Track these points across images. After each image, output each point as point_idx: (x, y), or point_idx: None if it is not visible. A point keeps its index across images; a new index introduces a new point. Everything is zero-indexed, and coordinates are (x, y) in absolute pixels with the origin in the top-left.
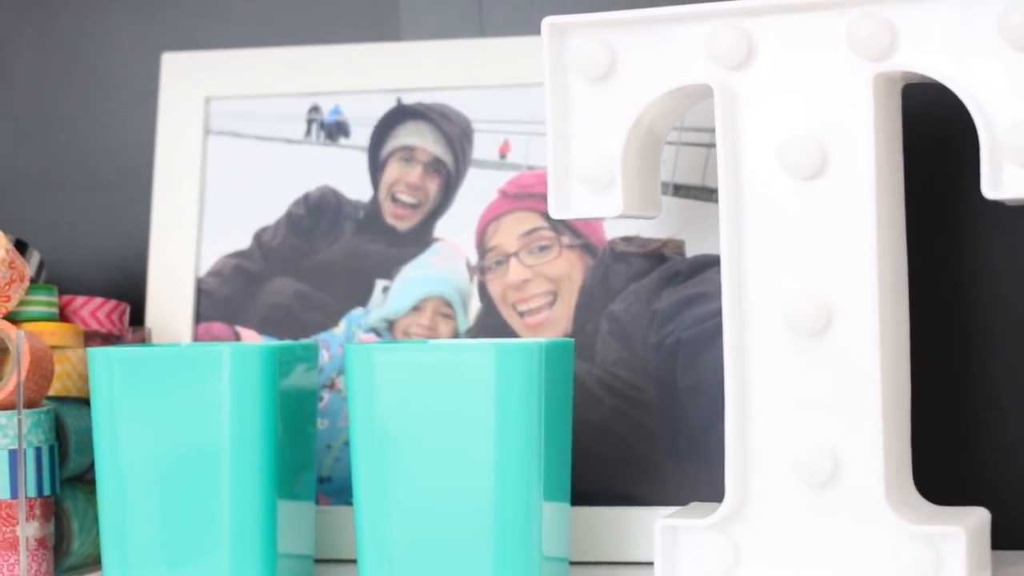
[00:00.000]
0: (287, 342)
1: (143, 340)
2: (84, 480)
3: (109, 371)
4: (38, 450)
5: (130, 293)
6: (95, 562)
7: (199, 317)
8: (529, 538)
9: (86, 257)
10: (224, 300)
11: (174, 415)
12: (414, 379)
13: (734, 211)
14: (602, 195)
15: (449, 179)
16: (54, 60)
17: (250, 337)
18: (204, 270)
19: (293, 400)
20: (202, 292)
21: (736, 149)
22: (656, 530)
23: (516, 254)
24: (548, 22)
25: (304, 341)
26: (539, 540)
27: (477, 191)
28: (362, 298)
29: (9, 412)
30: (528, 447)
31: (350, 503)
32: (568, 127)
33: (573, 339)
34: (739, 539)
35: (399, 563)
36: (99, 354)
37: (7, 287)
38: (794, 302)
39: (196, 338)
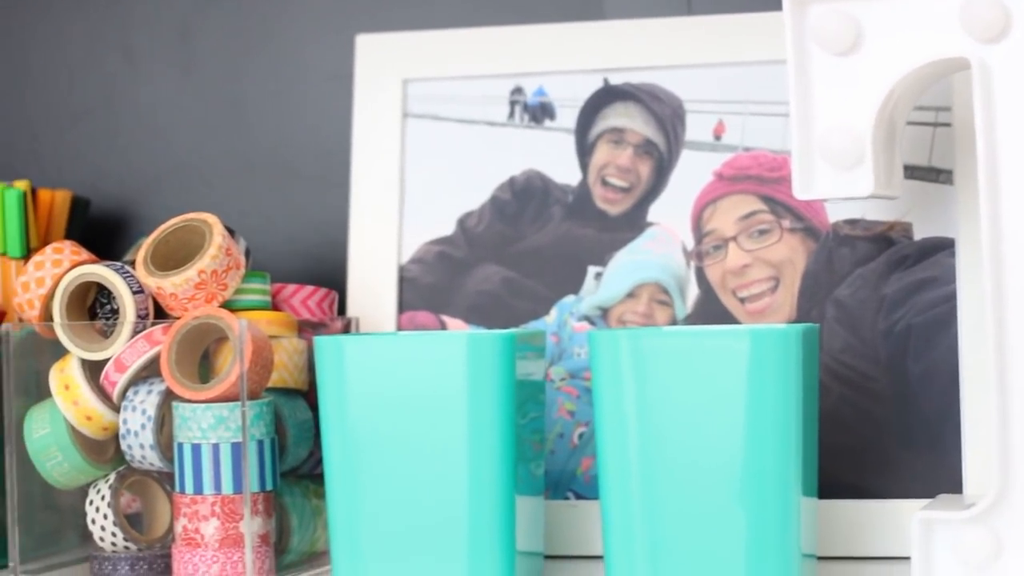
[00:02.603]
0: (519, 329)
1: (347, 329)
2: (299, 474)
3: (338, 360)
4: (260, 443)
5: (327, 281)
6: (313, 558)
7: (402, 306)
8: (787, 536)
9: (280, 245)
10: (428, 288)
11: (407, 405)
12: (664, 365)
13: (993, 192)
14: (849, 174)
15: (662, 161)
16: (244, 43)
17: (457, 326)
18: (406, 257)
19: (525, 390)
20: (404, 280)
21: (993, 127)
22: (913, 523)
23: (735, 238)
24: None
25: (532, 328)
26: (797, 537)
27: (691, 174)
28: (574, 285)
29: (231, 404)
30: (785, 439)
31: (566, 497)
32: (811, 104)
33: (818, 325)
34: (1001, 531)
35: (645, 561)
36: (328, 343)
37: (224, 275)
38: None
39: (400, 327)
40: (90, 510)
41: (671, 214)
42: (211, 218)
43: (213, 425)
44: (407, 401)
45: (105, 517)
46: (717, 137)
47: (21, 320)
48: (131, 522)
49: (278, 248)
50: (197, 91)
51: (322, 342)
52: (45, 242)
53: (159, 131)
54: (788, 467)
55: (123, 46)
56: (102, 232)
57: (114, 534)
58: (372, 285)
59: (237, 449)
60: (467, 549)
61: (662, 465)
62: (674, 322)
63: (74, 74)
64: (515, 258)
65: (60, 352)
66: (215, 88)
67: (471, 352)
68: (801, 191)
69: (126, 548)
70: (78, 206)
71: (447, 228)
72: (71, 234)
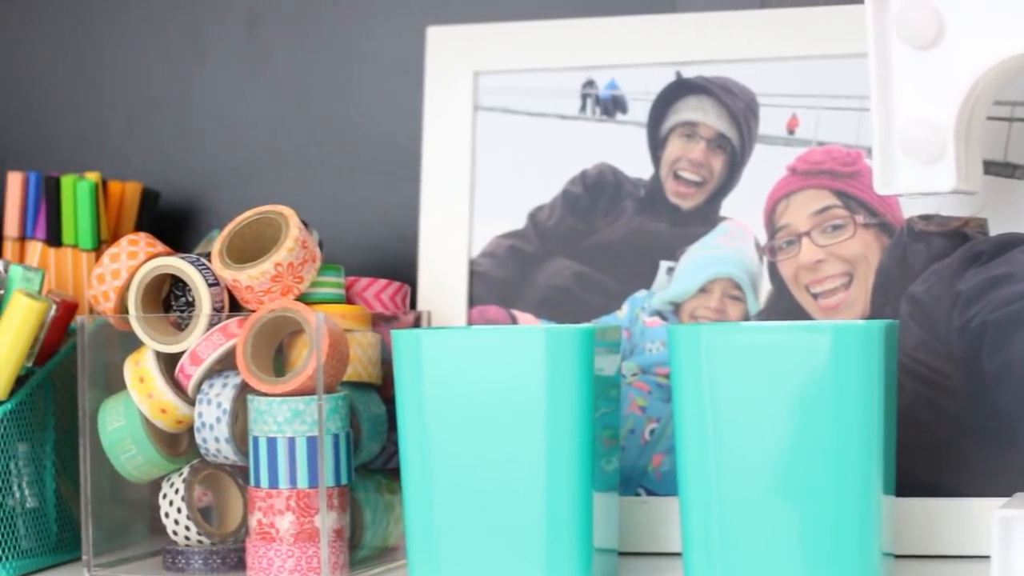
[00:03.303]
0: (597, 324)
1: (417, 323)
2: (371, 468)
3: (415, 354)
4: (335, 437)
5: (396, 275)
6: (385, 553)
7: (472, 300)
8: (869, 534)
9: (349, 238)
10: (498, 282)
11: (484, 399)
12: (745, 361)
13: None
14: (930, 168)
15: (734, 155)
16: (313, 35)
17: (527, 320)
18: (477, 251)
19: (599, 385)
20: (475, 274)
21: None
22: (993, 521)
23: (808, 233)
24: None
25: (609, 324)
26: (879, 536)
27: (764, 168)
28: (646, 280)
29: (307, 398)
30: (867, 436)
31: (637, 493)
32: (892, 98)
33: (897, 321)
34: None
35: (724, 557)
36: (405, 336)
37: (300, 267)
38: None
39: (470, 322)
40: (163, 503)
41: (744, 209)
42: (287, 210)
43: (289, 419)
44: (484, 395)
45: (179, 511)
46: (790, 131)
47: (94, 312)
48: (202, 516)
49: (347, 241)
50: (266, 83)
51: (400, 336)
52: (115, 234)
53: (228, 123)
54: (871, 464)
55: (192, 38)
56: (170, 224)
57: (188, 528)
58: (442, 279)
59: (313, 443)
60: (544, 545)
61: (741, 461)
62: (746, 318)
63: (143, 66)
64: (586, 252)
65: (131, 344)
66: (284, 80)
67: (550, 347)
68: (882, 186)
69: (199, 542)
70: (148, 198)
71: (518, 222)
72: (141, 226)
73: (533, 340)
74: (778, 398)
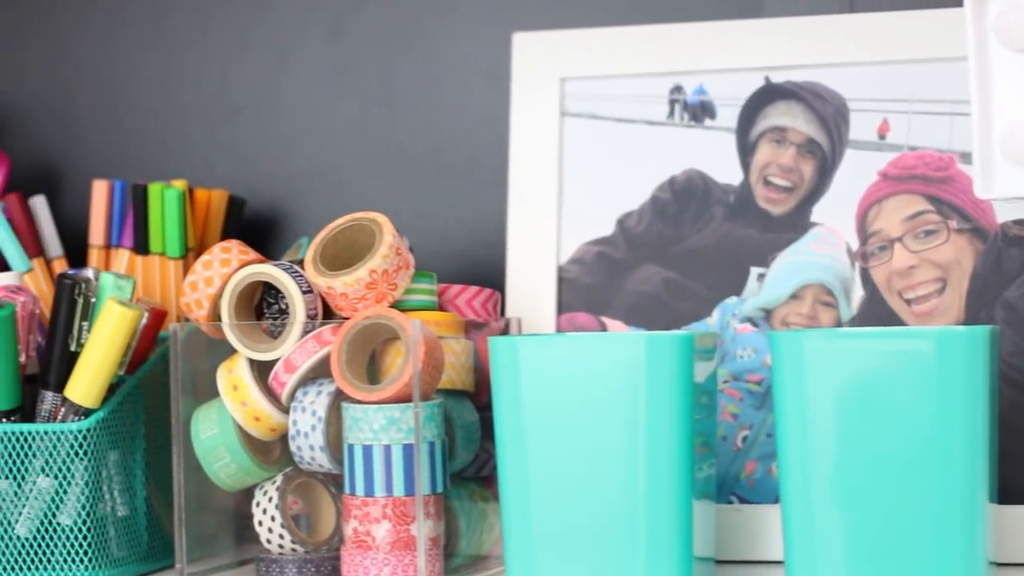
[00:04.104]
0: (694, 331)
1: (506, 330)
2: (464, 476)
3: (513, 361)
4: (431, 445)
5: (482, 282)
6: (479, 562)
7: (561, 307)
8: (974, 542)
9: (435, 245)
10: (587, 289)
11: (583, 406)
12: (849, 367)
13: None
14: None
15: (825, 161)
16: (397, 41)
17: (616, 328)
18: (565, 258)
19: (697, 392)
20: (563, 281)
21: None
22: None
23: (900, 239)
24: None
25: (705, 330)
26: (984, 543)
27: (855, 173)
28: (736, 286)
29: (403, 405)
30: (972, 443)
31: (729, 501)
32: (991, 102)
33: (997, 327)
34: None
35: (828, 566)
36: (503, 343)
37: (395, 274)
38: None
39: (559, 329)
40: (256, 512)
41: (835, 214)
42: (380, 217)
43: (385, 426)
44: (582, 403)
45: (272, 519)
46: (881, 136)
47: (182, 320)
48: (294, 524)
49: (432, 248)
50: (349, 90)
51: (497, 343)
52: (201, 242)
53: (312, 130)
54: (975, 471)
55: (276, 46)
56: (255, 232)
57: (281, 536)
58: (531, 286)
59: (409, 451)
60: (644, 554)
61: (844, 469)
62: (839, 324)
63: (226, 73)
64: (676, 259)
65: (220, 352)
66: (368, 87)
67: (650, 353)
68: (982, 190)
69: (293, 550)
70: (234, 206)
71: (606, 228)
72: (227, 234)
73: (633, 347)
74: (881, 404)
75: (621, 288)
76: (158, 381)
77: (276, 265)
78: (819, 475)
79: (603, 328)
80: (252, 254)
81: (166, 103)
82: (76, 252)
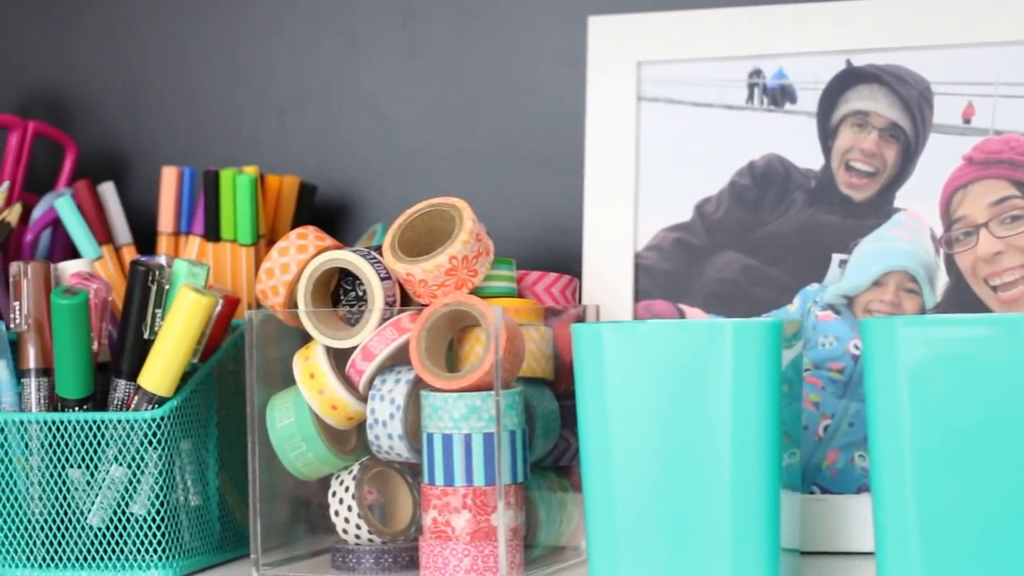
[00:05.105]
0: (782, 318)
1: (584, 317)
2: (543, 466)
3: (597, 348)
4: (512, 434)
5: (558, 268)
6: (557, 553)
7: (638, 294)
8: None
9: (510, 231)
10: (665, 276)
11: (668, 394)
12: (944, 354)
13: None
14: None
15: (908, 145)
16: (470, 26)
17: (695, 315)
18: (642, 244)
19: (786, 381)
20: (640, 268)
21: None
22: None
23: (986, 225)
24: None
25: (792, 317)
26: None
27: (939, 158)
28: (817, 273)
29: (484, 393)
30: None
31: (811, 491)
32: None
33: None
34: None
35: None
36: (586, 331)
37: (475, 260)
38: None
39: (636, 316)
40: (333, 501)
41: (919, 200)
42: (460, 203)
43: (465, 415)
44: (667, 391)
45: (349, 509)
46: (966, 120)
47: (256, 306)
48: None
49: (506, 234)
50: (422, 75)
51: (580, 330)
52: (273, 229)
53: (384, 117)
54: None
55: (346, 30)
56: (327, 218)
57: (358, 526)
58: (608, 273)
59: (490, 440)
60: (730, 545)
61: (940, 458)
62: (923, 311)
63: (297, 60)
64: (755, 245)
65: (293, 339)
66: (440, 72)
67: (737, 341)
68: None
69: (370, 540)
70: (305, 192)
71: (684, 214)
72: (298, 220)
73: (720, 334)
74: (976, 392)
75: (699, 275)
76: (228, 369)
77: (353, 251)
78: (912, 465)
79: (681, 315)
80: (329, 240)
81: (236, 89)
82: (144, 239)
